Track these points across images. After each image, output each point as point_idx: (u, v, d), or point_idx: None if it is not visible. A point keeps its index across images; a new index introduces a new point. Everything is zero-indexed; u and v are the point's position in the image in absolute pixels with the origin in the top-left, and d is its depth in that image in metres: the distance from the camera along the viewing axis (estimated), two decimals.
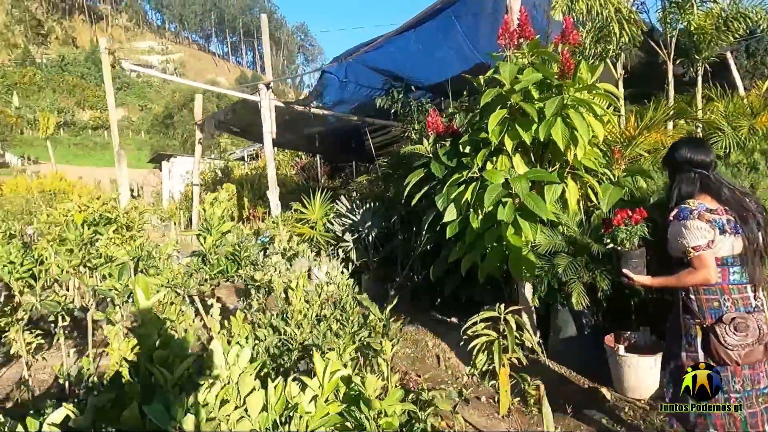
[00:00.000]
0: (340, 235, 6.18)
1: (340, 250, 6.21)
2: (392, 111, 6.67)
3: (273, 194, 7.39)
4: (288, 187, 11.61)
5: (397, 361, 3.95)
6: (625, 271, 2.20)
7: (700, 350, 2.08)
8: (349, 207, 6.25)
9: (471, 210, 3.91)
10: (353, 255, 6.14)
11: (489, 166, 3.93)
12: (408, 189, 4.31)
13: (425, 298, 5.35)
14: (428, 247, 5.04)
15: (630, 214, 2.26)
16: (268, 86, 7.39)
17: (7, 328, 2.56)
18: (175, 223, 13.61)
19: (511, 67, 3.77)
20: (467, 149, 4.03)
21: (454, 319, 4.90)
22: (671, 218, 2.11)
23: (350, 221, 6.13)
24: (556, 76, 3.65)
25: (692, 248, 2.00)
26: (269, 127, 7.37)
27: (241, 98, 8.42)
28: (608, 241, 2.33)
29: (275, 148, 16.70)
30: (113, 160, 8.44)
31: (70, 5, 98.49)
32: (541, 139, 3.57)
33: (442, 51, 5.88)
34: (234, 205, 11.74)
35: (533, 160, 4.00)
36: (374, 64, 6.35)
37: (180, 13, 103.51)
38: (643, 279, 2.20)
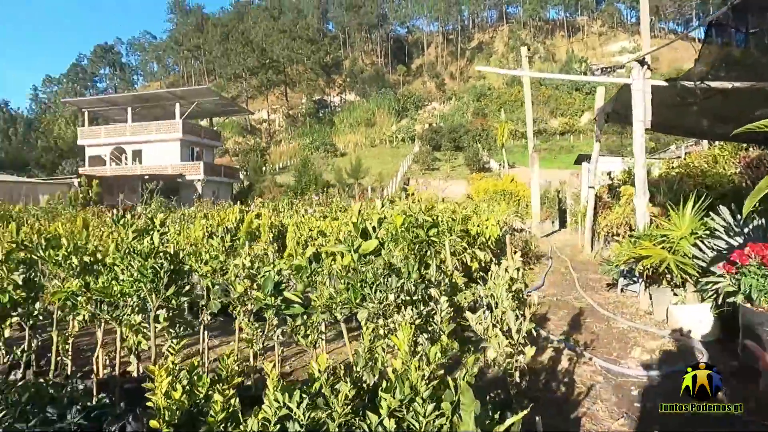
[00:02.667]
0: (706, 264, 4.11)
1: (709, 286, 4.17)
2: None
3: (640, 201, 5.78)
4: (716, 189, 8.90)
5: None
6: (747, 343, 1.09)
7: None
8: (731, 222, 4.08)
9: None
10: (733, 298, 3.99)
11: None
12: (751, 202, 2.37)
13: None
14: None
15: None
16: (642, 63, 5.77)
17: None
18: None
19: None
20: None
21: None
22: None
23: (725, 245, 3.98)
24: None
25: None
26: (641, 114, 5.75)
27: (622, 84, 6.94)
28: (726, 287, 1.01)
29: (715, 141, 13.12)
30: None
31: (552, 26, 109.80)
32: None
33: None
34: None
35: None
36: None
37: (655, 5, 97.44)
38: None
